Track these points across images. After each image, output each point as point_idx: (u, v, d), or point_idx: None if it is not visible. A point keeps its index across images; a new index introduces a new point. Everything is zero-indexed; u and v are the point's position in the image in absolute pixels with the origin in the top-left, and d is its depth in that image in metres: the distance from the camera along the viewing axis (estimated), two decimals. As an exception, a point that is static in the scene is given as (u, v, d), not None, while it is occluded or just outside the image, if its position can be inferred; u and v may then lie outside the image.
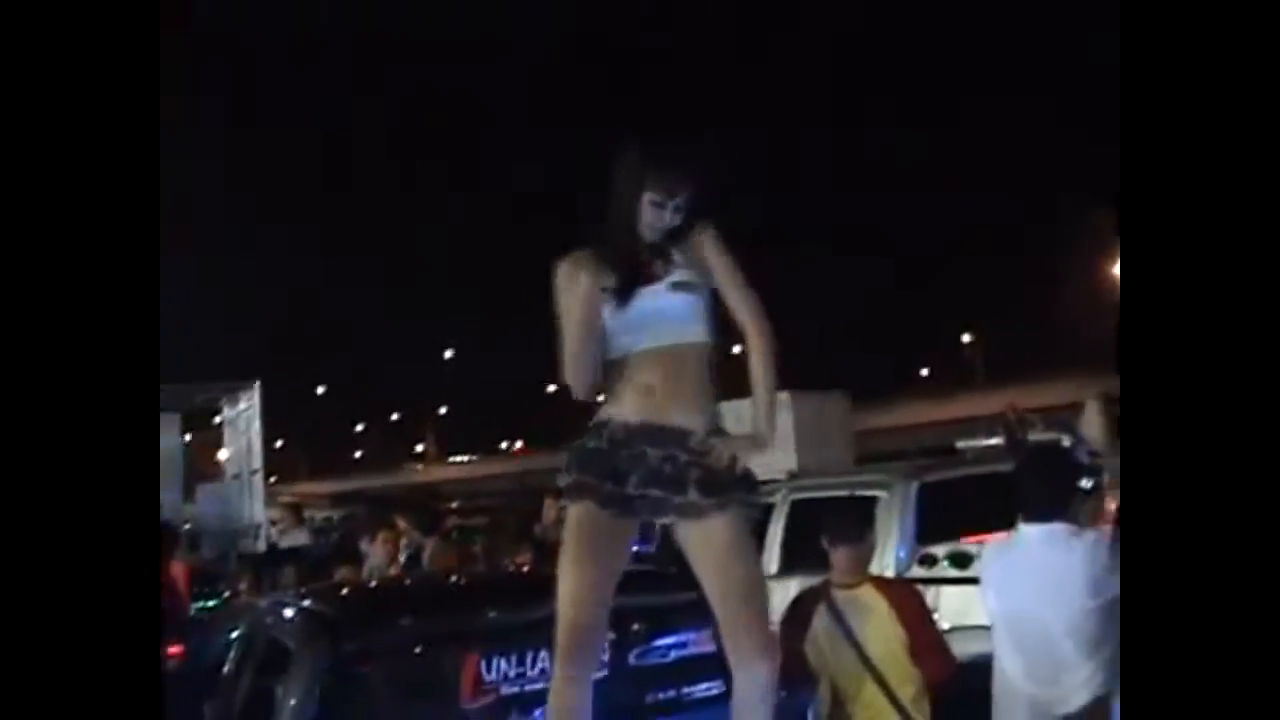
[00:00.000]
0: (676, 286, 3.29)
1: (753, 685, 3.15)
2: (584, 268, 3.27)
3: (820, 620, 4.29)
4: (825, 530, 4.44)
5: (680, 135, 3.45)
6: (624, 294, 3.25)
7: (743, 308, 3.38)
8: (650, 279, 3.28)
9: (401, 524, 10.00)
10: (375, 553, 9.02)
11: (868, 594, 4.31)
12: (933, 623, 4.44)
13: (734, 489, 3.22)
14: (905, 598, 4.39)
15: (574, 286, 3.26)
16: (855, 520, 4.60)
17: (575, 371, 3.27)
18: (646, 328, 3.27)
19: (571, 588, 3.16)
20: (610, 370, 3.31)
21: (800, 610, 4.40)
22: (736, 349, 3.47)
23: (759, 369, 3.38)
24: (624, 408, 3.26)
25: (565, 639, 3.13)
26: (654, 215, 3.28)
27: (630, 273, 3.27)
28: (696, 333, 3.31)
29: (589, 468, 3.22)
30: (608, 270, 3.26)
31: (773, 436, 3.34)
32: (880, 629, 4.22)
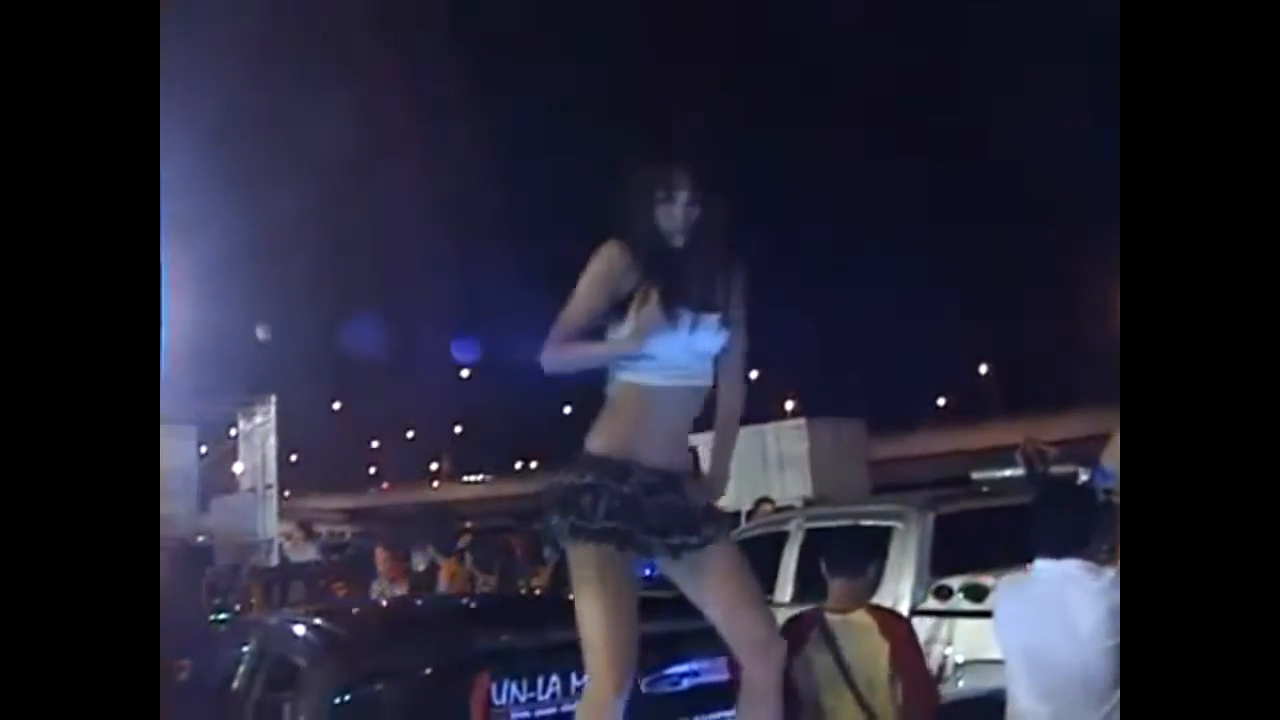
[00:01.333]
0: (726, 323, 3.32)
1: (764, 679, 3.31)
2: (624, 262, 3.25)
3: (812, 643, 4.31)
4: (826, 560, 4.49)
5: (672, 124, 3.46)
6: (681, 314, 3.21)
7: (740, 355, 3.46)
8: (711, 307, 3.28)
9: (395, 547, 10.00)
10: (382, 571, 9.01)
11: (860, 618, 4.35)
12: (922, 655, 4.48)
13: (725, 517, 3.43)
14: (897, 626, 4.43)
15: (608, 274, 3.24)
16: (857, 552, 4.63)
17: (570, 341, 3.22)
18: (694, 362, 3.28)
19: (608, 621, 3.13)
20: (640, 397, 3.26)
21: (793, 633, 4.42)
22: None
23: (736, 413, 3.50)
24: (646, 450, 3.24)
25: (611, 670, 3.11)
26: (665, 213, 3.26)
27: (698, 296, 3.25)
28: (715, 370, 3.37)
29: (625, 516, 3.18)
30: (661, 283, 3.22)
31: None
32: (868, 652, 4.25)
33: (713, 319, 3.28)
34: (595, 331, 3.25)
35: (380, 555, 8.79)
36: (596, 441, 3.28)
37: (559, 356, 3.23)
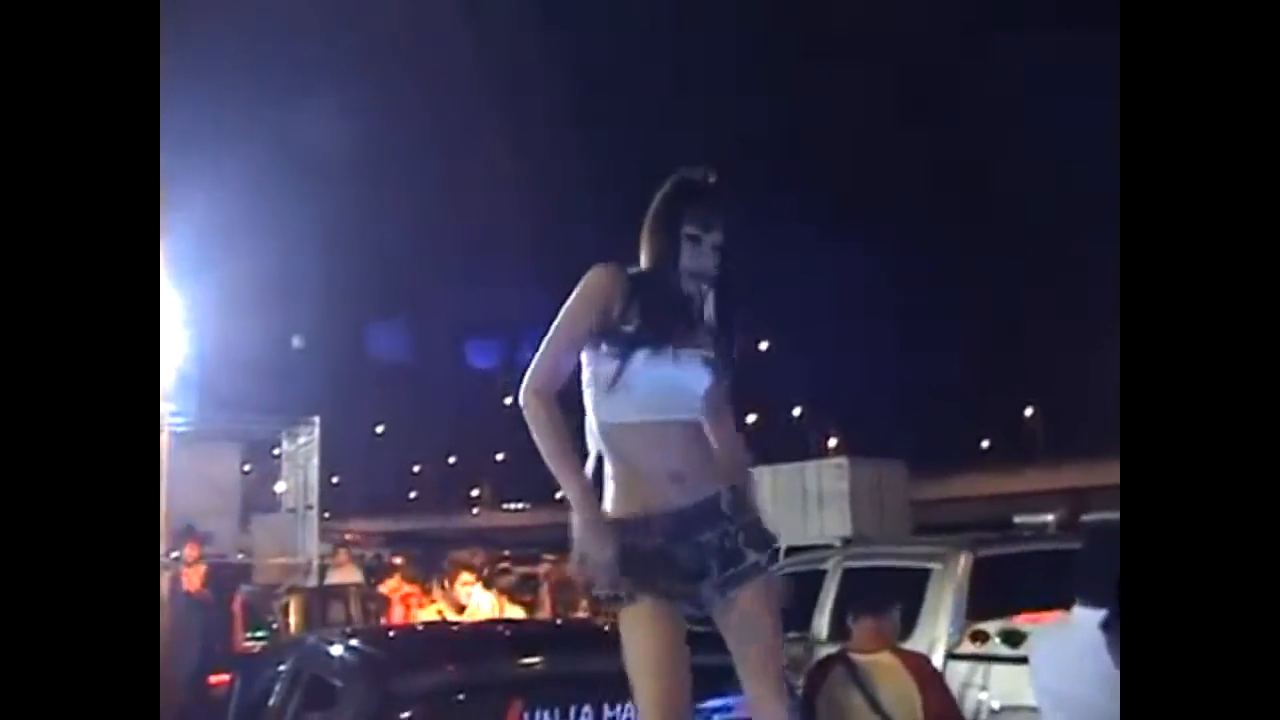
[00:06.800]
0: (708, 361, 3.21)
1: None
2: (616, 287, 3.14)
3: (835, 679, 4.33)
4: (851, 601, 4.54)
5: (714, 168, 3.32)
6: (661, 347, 3.10)
7: (725, 396, 3.33)
8: (690, 343, 3.18)
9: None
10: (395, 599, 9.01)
11: (886, 659, 4.40)
12: (951, 697, 4.53)
13: (769, 535, 3.22)
14: (923, 666, 4.49)
15: (598, 297, 3.14)
16: (882, 593, 4.75)
17: (551, 367, 3.13)
18: (675, 395, 3.16)
19: (664, 693, 2.98)
20: (622, 441, 3.14)
21: (819, 674, 4.45)
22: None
23: (733, 432, 3.36)
24: (656, 496, 3.11)
25: None
26: (691, 251, 3.14)
27: (676, 329, 3.14)
28: (701, 407, 3.25)
29: (654, 574, 3.04)
30: (649, 311, 3.12)
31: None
32: (897, 690, 4.29)
33: (697, 354, 3.18)
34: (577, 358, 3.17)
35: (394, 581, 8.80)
36: (608, 504, 3.14)
37: (538, 419, 3.15)
